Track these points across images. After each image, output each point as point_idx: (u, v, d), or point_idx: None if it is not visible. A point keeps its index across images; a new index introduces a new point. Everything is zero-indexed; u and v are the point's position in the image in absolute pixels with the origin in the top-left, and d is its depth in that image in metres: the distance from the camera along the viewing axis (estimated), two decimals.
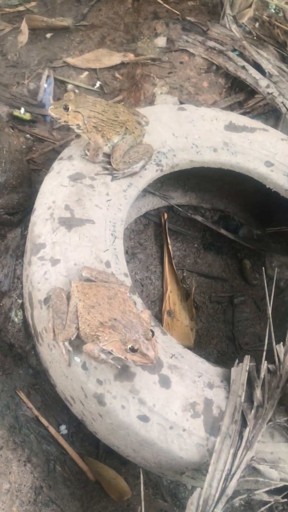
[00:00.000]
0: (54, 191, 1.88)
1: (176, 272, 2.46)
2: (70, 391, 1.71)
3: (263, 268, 2.16)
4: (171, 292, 2.41)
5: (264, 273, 2.05)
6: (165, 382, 1.59)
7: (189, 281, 2.49)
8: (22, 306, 2.00)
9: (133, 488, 1.86)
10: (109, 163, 1.96)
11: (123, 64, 3.17)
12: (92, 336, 1.50)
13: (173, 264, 2.47)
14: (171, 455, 1.56)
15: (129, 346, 1.44)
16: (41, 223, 1.81)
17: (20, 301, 2.01)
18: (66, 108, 1.87)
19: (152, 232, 2.58)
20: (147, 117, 2.09)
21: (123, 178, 1.98)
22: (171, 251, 2.50)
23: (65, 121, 1.89)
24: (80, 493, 1.82)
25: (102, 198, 1.90)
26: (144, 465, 1.74)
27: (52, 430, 1.86)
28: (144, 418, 1.54)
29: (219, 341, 2.33)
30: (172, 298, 2.40)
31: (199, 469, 1.60)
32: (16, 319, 1.99)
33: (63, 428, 1.89)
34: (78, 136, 2.08)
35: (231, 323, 2.38)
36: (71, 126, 1.91)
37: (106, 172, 1.95)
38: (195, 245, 2.62)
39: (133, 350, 1.44)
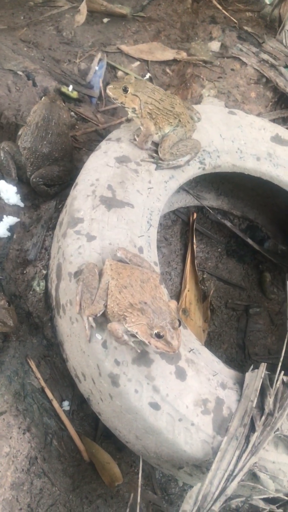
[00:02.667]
0: (99, 169, 1.89)
1: (197, 273, 2.46)
2: (84, 368, 1.71)
3: (286, 283, 2.17)
4: (188, 291, 2.42)
5: (287, 288, 2.05)
6: (181, 374, 1.59)
7: (208, 284, 2.50)
8: (46, 277, 2.00)
9: (124, 476, 1.85)
10: (156, 151, 1.96)
11: (175, 60, 3.19)
12: (119, 315, 1.50)
13: (195, 264, 2.47)
14: (175, 447, 1.56)
15: (155, 331, 1.44)
16: (82, 198, 1.81)
17: (44, 272, 2.01)
18: (125, 90, 1.87)
19: (179, 229, 2.58)
20: (200, 115, 2.10)
21: (166, 169, 1.98)
22: (195, 251, 2.50)
23: (121, 103, 1.90)
24: (72, 470, 1.81)
25: (144, 185, 1.91)
26: (143, 453, 1.73)
27: (55, 404, 1.86)
28: (155, 406, 1.54)
29: (229, 347, 2.33)
30: (189, 297, 2.40)
31: (200, 466, 1.60)
32: (37, 289, 1.99)
33: (66, 404, 1.89)
34: (128, 120, 2.09)
35: (244, 331, 2.38)
36: (126, 109, 1.91)
37: (152, 160, 1.96)
38: (219, 249, 2.62)
39: (158, 336, 1.44)
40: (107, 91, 1.90)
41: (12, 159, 2.16)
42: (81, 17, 3.23)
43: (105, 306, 1.55)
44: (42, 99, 2.27)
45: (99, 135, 2.62)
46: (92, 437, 1.89)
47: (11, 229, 2.12)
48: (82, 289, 1.58)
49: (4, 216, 2.11)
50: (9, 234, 2.10)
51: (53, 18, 3.23)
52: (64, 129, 2.21)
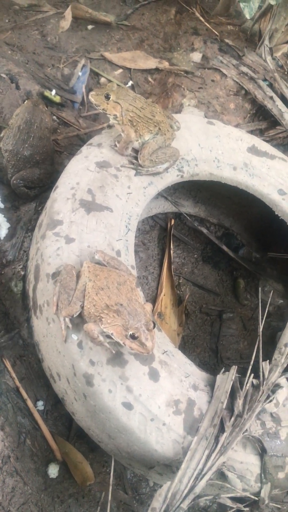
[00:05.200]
0: (79, 173, 1.92)
1: (173, 278, 2.51)
2: (59, 368, 1.73)
3: (259, 289, 2.23)
4: (164, 295, 2.46)
5: (259, 294, 2.12)
6: (154, 375, 1.63)
7: (184, 289, 2.55)
8: (23, 278, 2.02)
9: (96, 475, 1.88)
10: (136, 158, 2.01)
11: (157, 69, 3.25)
12: (96, 316, 1.54)
13: (172, 269, 2.52)
14: (146, 446, 1.60)
15: (130, 332, 1.48)
16: (62, 201, 1.85)
17: (22, 273, 2.03)
18: (107, 97, 1.92)
19: (157, 235, 2.63)
20: (180, 124, 2.15)
21: (145, 176, 2.03)
22: (172, 257, 2.55)
23: (103, 109, 1.94)
24: (44, 470, 1.83)
25: (123, 190, 1.95)
26: (115, 453, 1.77)
27: (29, 403, 1.88)
28: (128, 406, 1.57)
29: (202, 350, 2.38)
30: (165, 301, 2.45)
31: (170, 465, 1.64)
32: (15, 289, 2.01)
33: (40, 404, 1.91)
34: (110, 126, 2.13)
35: (217, 336, 2.44)
36: (108, 115, 1.96)
37: (132, 166, 2.00)
38: (195, 255, 2.68)
39: (133, 337, 1.48)
40: (90, 97, 1.94)
41: None
42: (66, 23, 3.26)
43: (82, 307, 1.58)
44: (25, 102, 2.29)
45: (81, 140, 2.66)
46: (66, 437, 1.91)
47: None
48: (60, 290, 1.61)
49: None
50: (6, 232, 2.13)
51: (38, 22, 3.26)
52: (45, 133, 2.24)
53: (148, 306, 1.63)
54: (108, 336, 1.56)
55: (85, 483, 1.84)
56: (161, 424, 1.59)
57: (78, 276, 1.63)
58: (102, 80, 3.06)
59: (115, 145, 2.01)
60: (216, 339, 2.44)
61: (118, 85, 1.99)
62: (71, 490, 1.84)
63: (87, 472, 1.86)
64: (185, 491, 1.50)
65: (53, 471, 1.83)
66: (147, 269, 2.52)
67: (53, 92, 2.80)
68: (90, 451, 1.92)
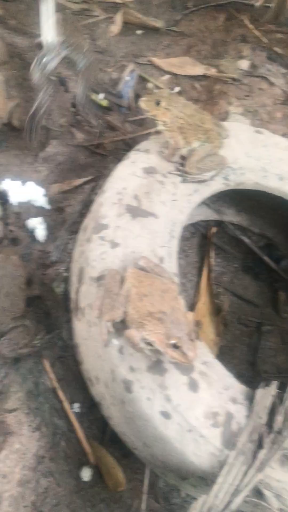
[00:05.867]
0: (126, 178, 1.93)
1: (212, 286, 2.48)
2: (98, 371, 1.74)
3: None
4: (203, 304, 2.44)
5: None
6: (193, 386, 1.61)
7: (222, 298, 2.52)
8: (66, 280, 2.04)
9: (128, 482, 1.87)
10: (183, 165, 2.00)
11: (204, 76, 3.24)
12: (138, 323, 1.53)
13: (211, 277, 2.50)
14: (182, 457, 1.58)
15: (172, 341, 1.47)
16: (108, 205, 1.86)
17: (65, 274, 2.04)
18: (158, 103, 1.92)
19: (197, 242, 2.61)
20: (228, 132, 2.13)
21: (191, 183, 2.02)
22: (211, 265, 2.53)
23: (153, 115, 1.94)
24: (77, 472, 1.83)
25: (169, 197, 1.94)
26: (149, 461, 1.75)
27: (66, 405, 1.88)
28: (166, 415, 1.56)
29: (239, 362, 2.35)
30: (203, 310, 2.42)
31: (205, 478, 1.62)
32: (57, 290, 2.02)
33: (76, 406, 1.92)
34: (158, 132, 2.12)
35: (255, 348, 2.40)
36: (157, 121, 1.96)
37: (178, 173, 1.99)
38: (235, 265, 2.65)
39: (175, 346, 1.47)
40: (140, 102, 1.94)
41: None
42: (116, 28, 3.30)
43: (124, 313, 1.58)
44: None
45: (126, 144, 2.67)
46: (99, 441, 1.91)
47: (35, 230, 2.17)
48: (103, 294, 1.61)
49: (31, 217, 2.16)
50: (45, 234, 2.15)
51: (89, 27, 3.30)
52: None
53: (190, 316, 1.61)
54: (149, 344, 1.55)
55: (117, 489, 1.84)
56: (198, 435, 1.56)
57: (122, 281, 1.63)
58: (149, 85, 3.06)
59: (163, 152, 2.01)
60: (253, 352, 2.39)
61: (169, 91, 1.98)
62: (103, 494, 1.83)
63: (119, 478, 1.86)
64: (221, 507, 1.47)
65: (86, 474, 1.83)
66: (186, 276, 2.50)
67: (101, 95, 2.82)
68: (123, 457, 1.91)
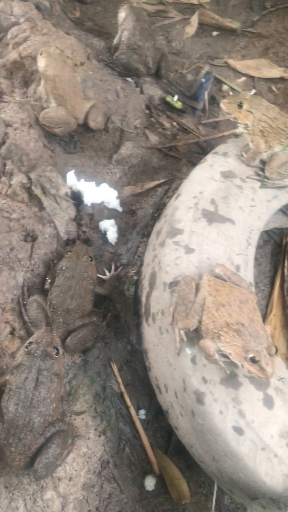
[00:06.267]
0: (203, 182, 1.87)
1: (285, 298, 2.37)
2: (167, 380, 1.69)
3: None
4: (274, 315, 2.33)
5: None
6: (268, 402, 1.53)
7: None
8: (136, 283, 2.01)
9: (193, 495, 1.81)
10: (263, 170, 1.92)
11: (281, 79, 3.13)
12: (214, 333, 1.47)
13: (284, 288, 2.39)
14: (254, 476, 1.50)
15: (251, 355, 1.40)
16: (184, 209, 1.81)
17: (135, 278, 2.02)
18: (240, 105, 1.85)
19: (270, 250, 2.51)
20: None
21: (271, 188, 1.93)
22: (285, 275, 2.42)
23: (234, 118, 1.88)
24: (141, 481, 1.80)
25: (247, 202, 1.87)
26: (217, 476, 1.69)
27: (132, 411, 1.85)
28: (239, 431, 1.49)
29: None
30: (274, 322, 2.32)
31: (277, 501, 1.53)
32: (127, 293, 2.00)
33: (142, 412, 1.88)
34: (236, 135, 2.06)
35: None
36: (238, 124, 1.89)
37: (258, 178, 1.92)
38: None
39: (253, 360, 1.40)
40: (221, 105, 1.89)
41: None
42: (192, 29, 3.25)
43: (199, 322, 1.52)
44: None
45: (200, 147, 2.62)
46: (164, 450, 1.87)
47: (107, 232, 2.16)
48: (177, 301, 1.56)
49: (104, 219, 2.15)
50: (116, 236, 2.15)
51: (164, 28, 3.28)
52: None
53: (269, 329, 1.53)
54: (224, 355, 1.49)
55: (181, 502, 1.78)
56: (272, 455, 1.48)
57: (197, 289, 1.58)
58: (225, 87, 2.99)
59: (242, 155, 1.94)
60: None
61: (251, 94, 1.91)
62: (166, 506, 1.79)
63: (183, 490, 1.80)
64: None
65: (149, 483, 1.79)
66: (258, 286, 2.40)
67: (175, 97, 2.78)
68: (188, 468, 1.86)
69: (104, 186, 2.19)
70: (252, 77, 3.10)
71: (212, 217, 1.78)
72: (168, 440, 1.89)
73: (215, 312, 1.48)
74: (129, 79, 2.70)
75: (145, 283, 1.89)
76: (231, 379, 1.53)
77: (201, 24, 3.34)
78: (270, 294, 2.40)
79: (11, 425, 1.54)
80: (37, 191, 2.07)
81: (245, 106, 1.85)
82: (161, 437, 1.90)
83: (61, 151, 2.37)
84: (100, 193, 2.17)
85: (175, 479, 1.82)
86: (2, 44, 2.73)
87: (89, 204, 2.14)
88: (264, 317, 2.33)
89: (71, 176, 2.20)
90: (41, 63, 2.28)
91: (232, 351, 1.44)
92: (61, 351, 1.67)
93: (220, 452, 1.56)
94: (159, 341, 1.72)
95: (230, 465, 1.56)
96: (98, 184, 2.20)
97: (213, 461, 1.63)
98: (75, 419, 1.76)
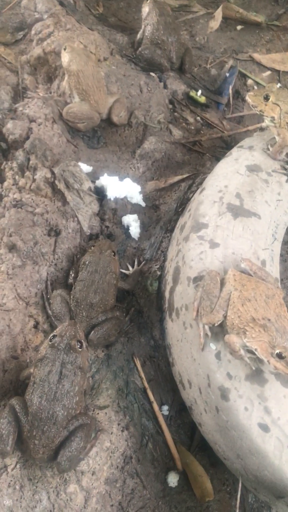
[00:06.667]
0: (228, 176, 1.85)
1: None
2: (191, 375, 1.67)
3: None
4: None
5: None
6: None
7: None
8: (159, 278, 1.99)
9: (216, 492, 1.79)
10: None
11: None
12: (239, 329, 1.45)
13: None
14: (280, 474, 1.47)
15: (277, 351, 1.37)
16: (209, 204, 1.79)
17: (158, 273, 2.00)
18: (266, 98, 1.82)
19: None
20: None
21: None
22: None
23: (260, 111, 1.85)
24: (164, 477, 1.78)
25: (273, 196, 1.84)
26: (241, 474, 1.66)
27: (155, 406, 1.84)
28: (264, 428, 1.46)
29: None
30: None
31: None
32: (150, 289, 1.99)
33: (165, 408, 1.87)
34: (262, 129, 2.03)
35: None
36: (264, 117, 1.86)
37: (284, 171, 1.89)
38: None
39: (280, 356, 1.37)
40: (247, 97, 1.86)
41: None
42: (216, 23, 3.21)
43: (224, 317, 1.50)
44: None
45: (224, 142, 2.59)
46: (187, 446, 1.85)
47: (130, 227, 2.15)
48: (202, 295, 1.55)
49: (127, 213, 2.14)
50: (139, 231, 2.14)
51: (188, 23, 3.25)
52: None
53: None
54: (250, 351, 1.46)
55: (204, 499, 1.76)
56: None
57: (222, 284, 1.55)
58: (249, 82, 2.95)
59: (268, 149, 1.91)
60: None
61: (279, 86, 1.87)
62: (189, 503, 1.77)
63: (207, 488, 1.78)
64: None
65: (172, 480, 1.77)
66: (283, 282, 2.36)
67: (199, 92, 2.75)
68: (211, 465, 1.83)
69: (127, 181, 2.18)
70: (278, 71, 3.05)
71: (237, 211, 1.76)
72: (192, 436, 1.88)
73: (241, 307, 1.46)
74: (152, 74, 2.68)
75: (169, 278, 1.88)
76: (256, 375, 1.50)
77: (225, 18, 3.30)
78: None
79: (35, 417, 1.54)
80: (61, 186, 2.07)
81: (271, 98, 1.81)
82: (184, 433, 1.88)
83: (84, 146, 2.37)
84: (124, 188, 2.16)
85: (199, 476, 1.80)
86: (26, 40, 2.74)
87: (112, 199, 2.14)
88: None
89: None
90: (65, 58, 2.28)
91: (258, 346, 1.41)
92: (84, 344, 1.67)
93: (245, 450, 1.54)
94: (183, 336, 1.71)
95: (255, 462, 1.54)
96: (121, 179, 2.19)
97: (238, 458, 1.61)
98: (98, 413, 1.76)
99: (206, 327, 1.55)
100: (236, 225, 1.73)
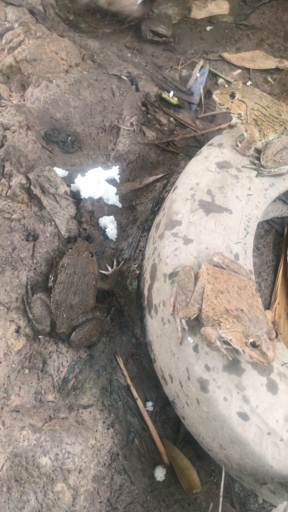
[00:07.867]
0: (199, 173, 1.89)
1: None
2: (172, 370, 1.71)
3: None
4: (278, 304, 2.34)
5: None
6: (272, 387, 1.54)
7: None
8: (138, 277, 2.03)
9: (203, 484, 1.82)
10: (258, 158, 1.93)
11: (277, 69, 3.13)
12: (214, 321, 1.49)
13: (287, 277, 2.39)
14: (261, 461, 1.51)
15: (251, 340, 1.41)
16: (181, 201, 1.82)
17: (137, 272, 2.04)
18: (232, 96, 1.86)
19: (272, 240, 2.51)
20: None
21: (267, 177, 1.94)
22: None
23: (227, 108, 1.89)
24: (151, 472, 1.81)
25: (243, 191, 1.88)
26: (225, 464, 1.70)
27: (139, 403, 1.87)
28: (244, 416, 1.50)
29: None
30: (279, 310, 2.32)
31: (286, 484, 1.54)
32: (130, 288, 2.02)
33: (149, 404, 1.90)
34: (231, 126, 2.07)
35: None
36: (231, 114, 1.90)
37: (253, 167, 1.93)
38: None
39: (254, 345, 1.41)
40: (214, 96, 1.90)
41: None
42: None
43: (200, 310, 1.54)
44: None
45: (197, 141, 2.63)
46: (173, 441, 1.88)
47: (107, 228, 2.18)
48: (177, 290, 1.58)
49: (104, 215, 2.18)
50: (117, 232, 2.17)
51: None
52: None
53: (269, 314, 1.54)
54: (226, 342, 1.50)
55: (192, 491, 1.80)
56: (278, 439, 1.49)
57: (196, 278, 1.59)
58: (220, 81, 3.01)
59: (237, 145, 1.95)
60: None
61: (243, 83, 1.91)
62: (177, 495, 1.80)
63: (194, 480, 1.81)
64: None
65: (160, 474, 1.80)
66: (261, 275, 2.41)
67: (171, 93, 2.80)
68: (198, 458, 1.87)
69: (103, 183, 2.21)
70: (248, 69, 3.11)
71: (209, 207, 1.80)
72: (177, 430, 1.91)
73: (214, 299, 1.50)
74: (124, 77, 2.72)
75: (147, 276, 1.91)
76: (234, 365, 1.54)
77: (195, 20, 3.36)
78: (274, 283, 2.40)
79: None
80: (36, 191, 2.09)
81: (237, 95, 1.86)
82: (169, 428, 1.91)
83: (60, 151, 2.40)
84: (99, 191, 2.19)
85: (185, 469, 1.83)
86: None
87: (88, 202, 2.16)
88: (269, 306, 2.34)
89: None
90: None
91: (232, 337, 1.45)
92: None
93: (227, 439, 1.57)
94: (162, 332, 1.74)
95: (237, 451, 1.57)
96: (97, 181, 2.22)
97: (221, 448, 1.64)
98: (82, 412, 1.79)
99: (183, 321, 1.58)
100: (208, 221, 1.76)
